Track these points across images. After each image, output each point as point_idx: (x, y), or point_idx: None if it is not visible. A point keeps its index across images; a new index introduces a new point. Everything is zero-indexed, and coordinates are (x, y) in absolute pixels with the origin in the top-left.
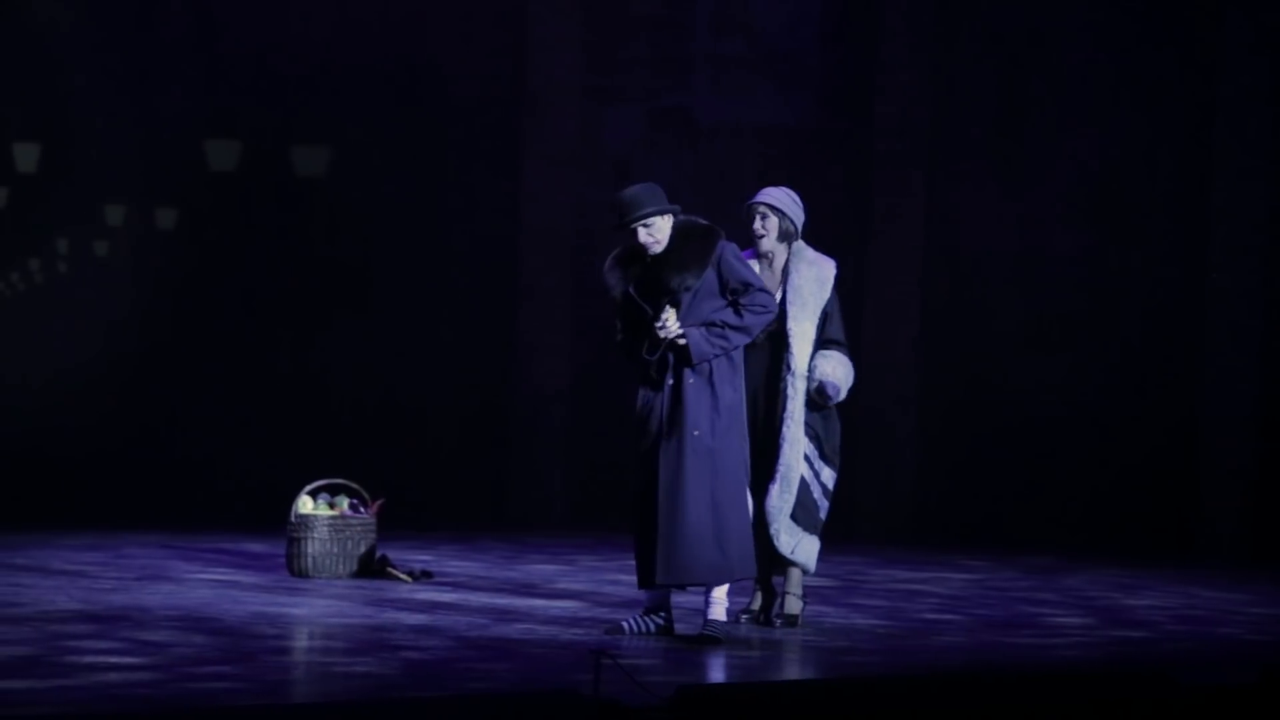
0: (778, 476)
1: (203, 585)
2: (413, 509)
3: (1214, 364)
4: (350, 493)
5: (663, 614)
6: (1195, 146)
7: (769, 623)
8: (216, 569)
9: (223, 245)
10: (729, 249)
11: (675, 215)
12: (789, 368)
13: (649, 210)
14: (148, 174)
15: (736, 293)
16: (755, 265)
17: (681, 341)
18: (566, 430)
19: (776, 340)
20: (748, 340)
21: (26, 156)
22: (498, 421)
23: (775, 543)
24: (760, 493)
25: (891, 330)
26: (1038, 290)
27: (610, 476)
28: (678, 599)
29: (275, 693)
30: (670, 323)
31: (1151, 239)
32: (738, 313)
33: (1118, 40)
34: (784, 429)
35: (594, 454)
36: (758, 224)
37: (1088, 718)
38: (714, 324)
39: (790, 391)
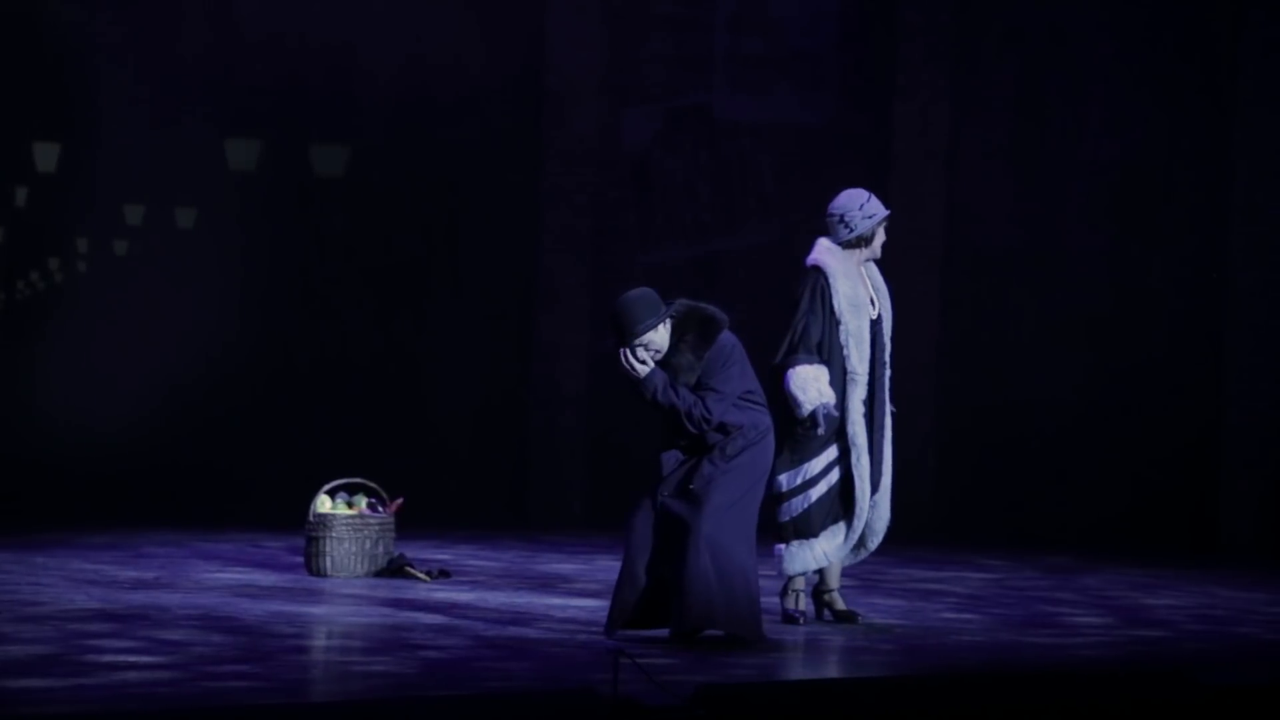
0: (882, 488)
1: (221, 585)
2: (431, 508)
3: (1234, 363)
4: (368, 492)
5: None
6: (1216, 144)
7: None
8: (235, 568)
9: (242, 245)
10: (723, 351)
11: (672, 317)
12: (889, 369)
13: (647, 324)
14: (167, 173)
15: (701, 388)
16: (861, 274)
17: (641, 373)
18: (585, 430)
19: (876, 348)
20: (679, 421)
21: (46, 156)
22: (517, 421)
23: (867, 545)
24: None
25: (911, 330)
26: (1058, 289)
27: (628, 476)
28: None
29: (293, 692)
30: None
31: (1172, 237)
32: (701, 401)
33: (1138, 38)
34: (888, 434)
35: (612, 454)
36: (883, 234)
37: (1106, 717)
38: (674, 389)
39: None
